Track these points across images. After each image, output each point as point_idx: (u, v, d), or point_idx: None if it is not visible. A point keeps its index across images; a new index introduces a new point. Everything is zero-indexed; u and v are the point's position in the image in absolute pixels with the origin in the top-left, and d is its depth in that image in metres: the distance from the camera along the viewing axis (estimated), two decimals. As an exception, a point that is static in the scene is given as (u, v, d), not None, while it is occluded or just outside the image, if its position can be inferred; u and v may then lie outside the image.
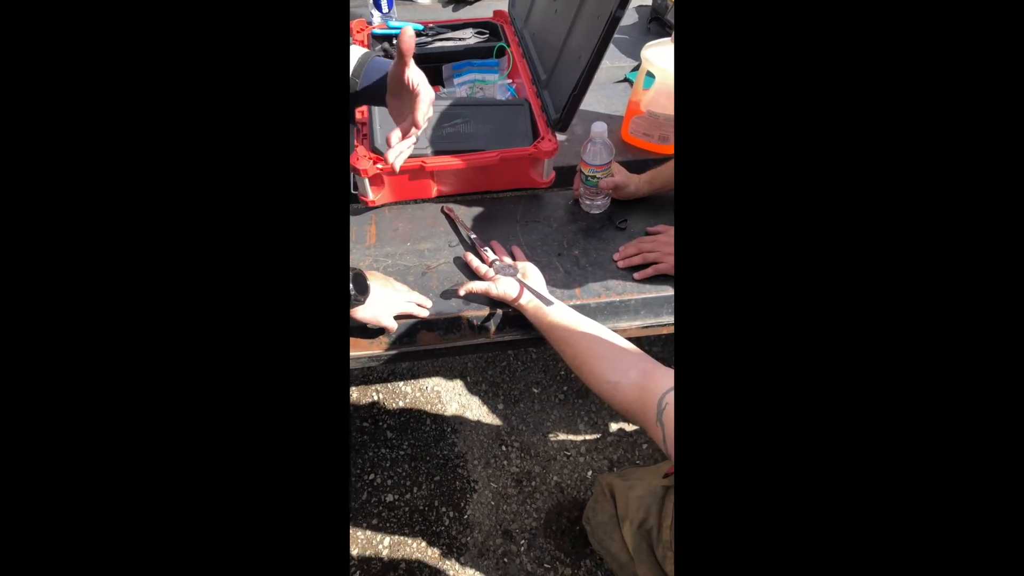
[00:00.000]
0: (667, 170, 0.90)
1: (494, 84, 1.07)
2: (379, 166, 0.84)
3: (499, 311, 0.79)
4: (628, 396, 0.62)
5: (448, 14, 1.37)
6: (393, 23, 1.13)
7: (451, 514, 1.27)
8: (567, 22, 0.88)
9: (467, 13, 1.37)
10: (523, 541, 1.23)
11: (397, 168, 0.74)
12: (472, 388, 1.49)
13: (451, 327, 0.79)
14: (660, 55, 0.96)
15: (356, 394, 1.48)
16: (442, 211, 0.92)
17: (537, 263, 0.81)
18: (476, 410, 1.45)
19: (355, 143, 0.86)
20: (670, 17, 1.30)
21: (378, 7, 1.19)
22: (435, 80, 1.08)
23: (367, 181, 0.87)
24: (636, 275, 0.83)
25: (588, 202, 0.91)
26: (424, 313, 0.78)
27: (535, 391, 1.48)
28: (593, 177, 0.86)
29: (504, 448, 1.38)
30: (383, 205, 0.92)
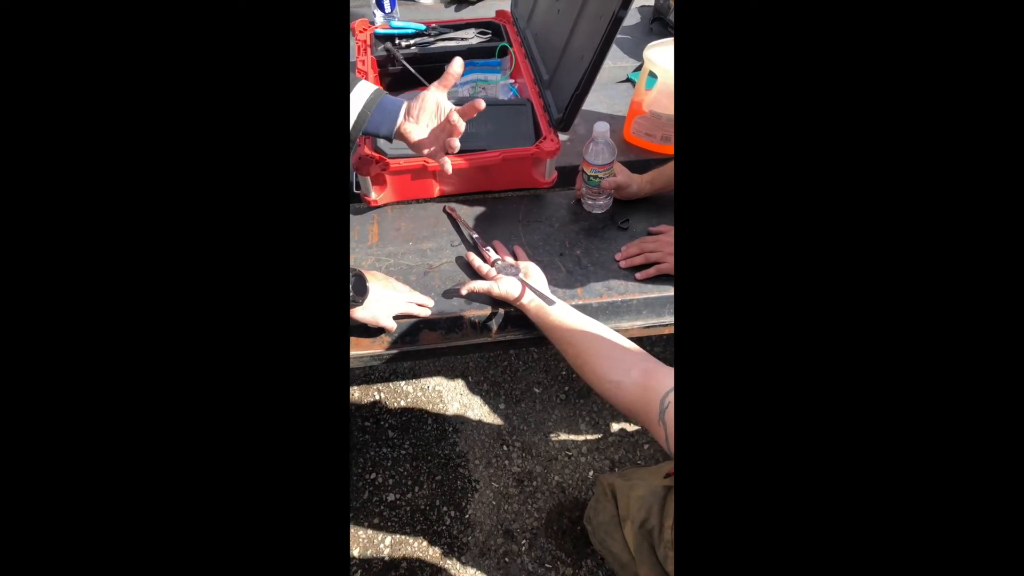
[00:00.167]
0: (669, 170, 0.90)
1: (496, 84, 1.07)
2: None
3: (501, 311, 0.79)
4: (630, 396, 0.62)
5: (450, 14, 1.37)
6: (396, 23, 1.13)
7: (452, 513, 1.27)
8: (569, 22, 0.88)
9: (469, 13, 1.37)
10: (524, 541, 1.23)
11: (449, 170, 0.78)
12: (473, 388, 1.49)
13: (453, 326, 0.79)
14: (662, 55, 0.96)
15: (358, 393, 1.48)
16: (444, 211, 0.92)
17: (539, 263, 0.82)
18: (477, 410, 1.45)
19: (358, 143, 0.86)
20: (672, 17, 1.30)
21: (381, 7, 1.19)
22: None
23: (369, 180, 0.87)
24: (638, 275, 0.83)
25: (590, 202, 0.91)
26: (425, 313, 0.78)
27: (536, 391, 1.48)
28: (595, 177, 0.86)
29: (505, 448, 1.38)
30: (385, 204, 0.92)
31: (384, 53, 1.06)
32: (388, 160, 0.85)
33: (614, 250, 0.86)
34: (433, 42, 1.11)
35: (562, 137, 0.89)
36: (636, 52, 1.25)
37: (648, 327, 0.83)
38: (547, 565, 1.20)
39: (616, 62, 1.24)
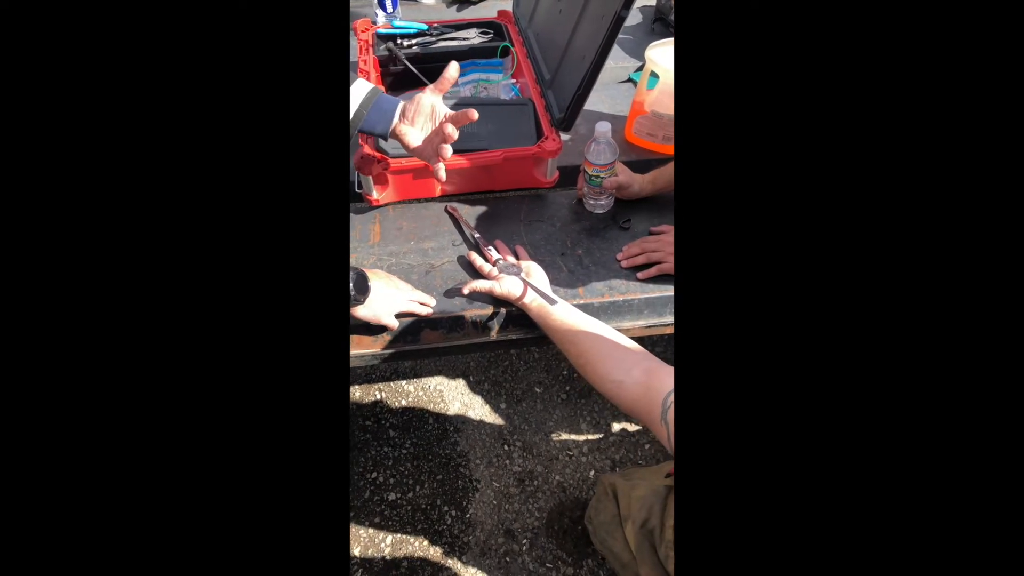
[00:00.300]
0: (670, 170, 0.90)
1: (498, 84, 1.07)
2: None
3: (503, 310, 0.79)
4: (632, 395, 0.62)
5: (452, 14, 1.37)
6: (398, 23, 1.13)
7: (453, 513, 1.27)
8: (571, 22, 0.88)
9: (471, 13, 1.37)
10: (525, 540, 1.23)
11: (442, 177, 0.78)
12: (475, 387, 1.49)
13: (455, 326, 0.79)
14: (664, 55, 0.96)
15: (359, 393, 1.48)
16: (446, 210, 0.92)
17: (541, 262, 0.82)
18: (478, 409, 1.45)
19: (360, 142, 0.86)
20: (674, 17, 1.31)
21: (382, 7, 1.19)
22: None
23: (371, 180, 0.87)
24: (639, 275, 0.83)
25: (592, 202, 0.91)
26: (426, 312, 0.78)
27: (538, 390, 1.48)
28: (597, 177, 0.86)
29: (506, 447, 1.38)
30: (387, 204, 0.93)
31: (386, 53, 1.06)
32: (390, 159, 0.85)
33: (615, 250, 0.86)
34: (435, 42, 1.11)
35: (564, 137, 0.89)
36: (638, 52, 1.26)
37: (650, 327, 0.83)
38: (548, 565, 1.20)
39: (618, 62, 1.24)
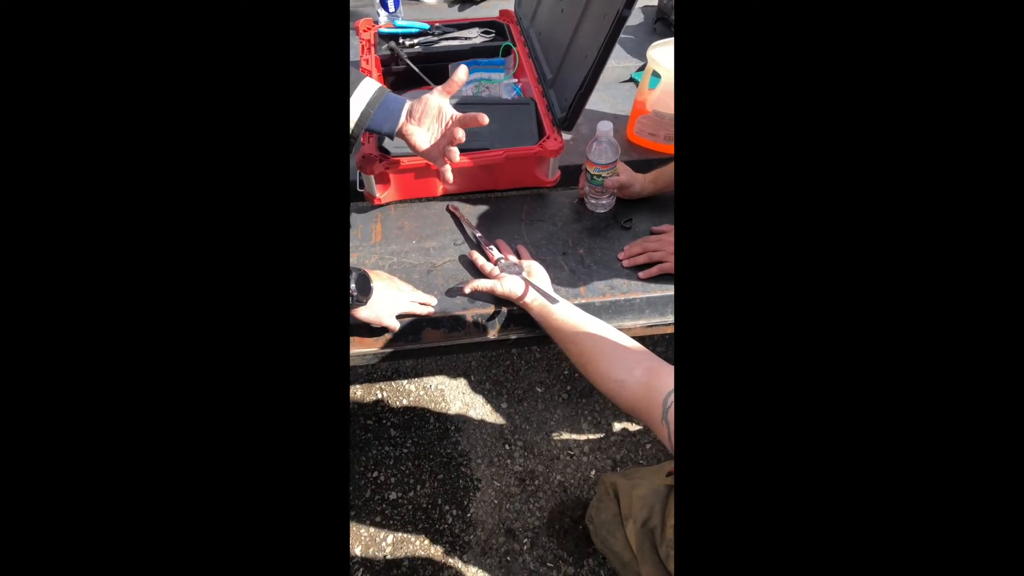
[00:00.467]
0: (672, 170, 0.90)
1: (500, 83, 1.07)
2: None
3: (504, 309, 0.79)
4: (634, 394, 0.62)
5: (454, 13, 1.37)
6: (400, 22, 1.13)
7: (454, 512, 1.27)
8: (573, 21, 0.88)
9: (473, 12, 1.37)
10: (526, 540, 1.23)
11: (450, 179, 0.79)
12: (476, 387, 1.50)
13: (456, 325, 0.79)
14: (666, 55, 0.96)
15: (360, 392, 1.49)
16: (447, 209, 0.92)
17: (542, 262, 0.82)
18: (480, 409, 1.45)
19: (361, 141, 0.86)
20: (674, 17, 1.31)
21: (384, 6, 1.19)
22: (441, 79, 1.09)
23: (373, 179, 0.88)
24: (641, 274, 0.83)
25: (593, 201, 0.91)
26: (427, 311, 0.78)
27: (539, 390, 1.48)
28: (599, 176, 0.86)
29: (507, 447, 1.38)
30: (389, 203, 0.93)
31: (388, 52, 1.07)
32: (392, 159, 0.85)
33: (617, 249, 0.86)
34: (437, 41, 1.11)
35: (565, 136, 0.89)
36: (639, 52, 1.26)
37: (651, 326, 0.83)
38: (549, 564, 1.20)
39: (619, 62, 1.24)
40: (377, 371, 1.53)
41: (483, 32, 1.13)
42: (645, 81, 0.98)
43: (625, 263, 0.84)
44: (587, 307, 0.79)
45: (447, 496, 1.29)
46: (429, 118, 0.75)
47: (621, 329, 0.72)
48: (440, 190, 0.93)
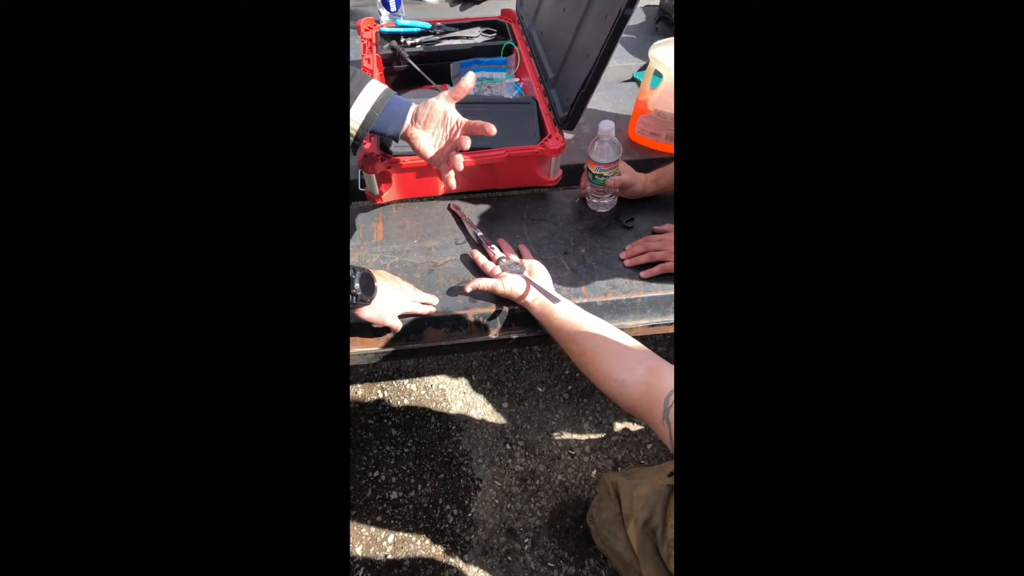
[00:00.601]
0: (673, 169, 0.90)
1: (501, 82, 1.07)
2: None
3: (505, 308, 0.79)
4: (635, 394, 0.62)
5: (456, 13, 1.37)
6: (401, 21, 1.13)
7: (455, 512, 1.27)
8: (575, 21, 0.88)
9: (475, 12, 1.37)
10: (527, 539, 1.23)
11: (453, 185, 0.79)
12: (477, 386, 1.49)
13: (457, 324, 0.79)
14: (668, 54, 0.96)
15: (361, 391, 1.49)
16: (449, 209, 0.92)
17: (544, 261, 0.82)
18: (481, 408, 1.45)
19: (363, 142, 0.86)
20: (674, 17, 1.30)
21: (386, 6, 1.19)
22: (443, 78, 1.09)
23: (374, 178, 0.87)
24: (643, 273, 0.83)
25: (595, 200, 0.91)
26: (429, 311, 0.78)
27: (540, 390, 1.48)
28: (600, 175, 0.86)
29: (508, 447, 1.38)
30: (390, 202, 0.93)
31: (390, 51, 1.07)
32: (393, 158, 0.85)
33: (619, 249, 0.86)
34: (438, 41, 1.11)
35: (567, 136, 0.89)
36: (641, 51, 1.26)
37: (653, 326, 0.83)
38: (550, 564, 1.20)
39: (621, 61, 1.24)
40: (378, 370, 1.53)
41: (485, 31, 1.13)
42: (647, 80, 0.98)
43: (627, 262, 0.84)
44: (589, 306, 0.78)
45: (448, 496, 1.29)
46: (434, 123, 0.75)
47: (623, 329, 0.72)
48: (442, 189, 0.93)
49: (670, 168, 0.91)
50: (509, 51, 1.09)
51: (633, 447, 1.38)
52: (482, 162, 0.87)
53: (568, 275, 0.83)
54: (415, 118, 0.75)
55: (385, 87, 0.75)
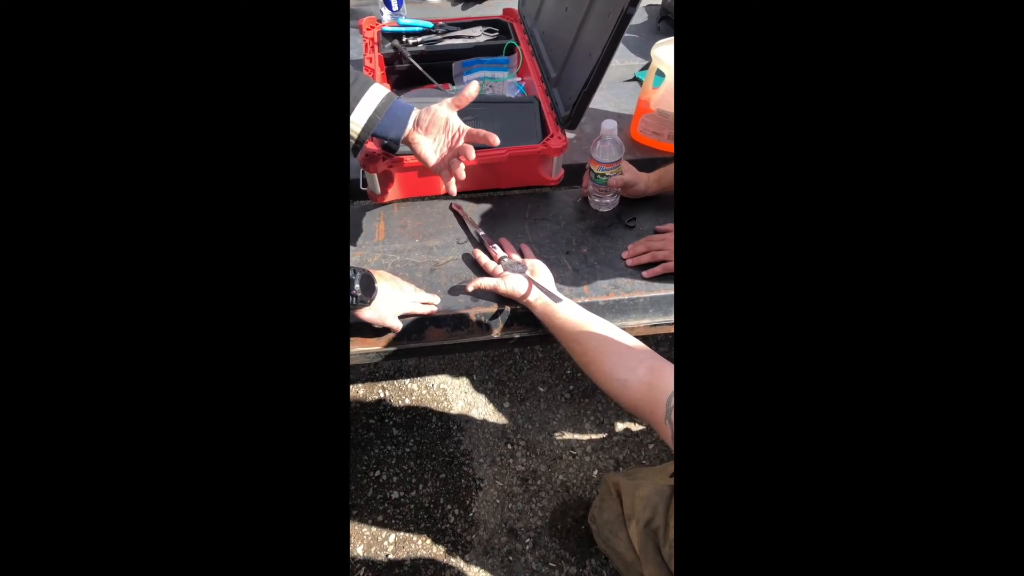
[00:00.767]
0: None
1: (503, 82, 1.07)
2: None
3: (507, 308, 0.79)
4: (637, 394, 0.62)
5: (458, 12, 1.37)
6: (403, 21, 1.13)
7: (456, 512, 1.27)
8: (577, 20, 0.88)
9: (477, 11, 1.37)
10: (528, 539, 1.23)
11: (454, 191, 0.78)
12: (478, 386, 1.49)
13: (459, 324, 0.79)
14: (670, 54, 0.95)
15: (362, 391, 1.49)
16: (450, 208, 0.92)
17: (545, 261, 0.81)
18: (482, 408, 1.45)
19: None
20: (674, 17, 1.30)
21: (388, 5, 1.19)
22: (444, 78, 1.09)
23: (376, 177, 0.87)
24: (645, 273, 0.82)
25: (597, 200, 0.91)
26: (430, 311, 0.78)
27: (541, 390, 1.48)
28: (602, 175, 0.86)
29: (510, 446, 1.38)
30: (392, 201, 0.93)
31: (391, 51, 1.06)
32: (395, 157, 0.85)
33: (621, 248, 0.86)
34: (440, 40, 1.11)
35: (569, 135, 0.89)
36: (643, 51, 1.25)
37: (655, 325, 0.82)
38: (551, 564, 1.19)
39: (623, 61, 1.24)
40: (379, 370, 1.53)
41: (487, 31, 1.13)
42: (649, 80, 0.98)
43: (629, 262, 0.84)
44: (590, 306, 0.78)
45: (449, 495, 1.29)
46: (436, 129, 0.76)
47: (625, 328, 0.71)
48: (443, 189, 0.93)
49: (672, 167, 0.90)
50: (511, 50, 1.09)
51: (635, 447, 1.38)
52: (484, 161, 0.87)
53: (570, 275, 0.83)
54: (417, 123, 0.76)
55: (388, 91, 0.75)
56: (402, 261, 0.84)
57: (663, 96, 0.96)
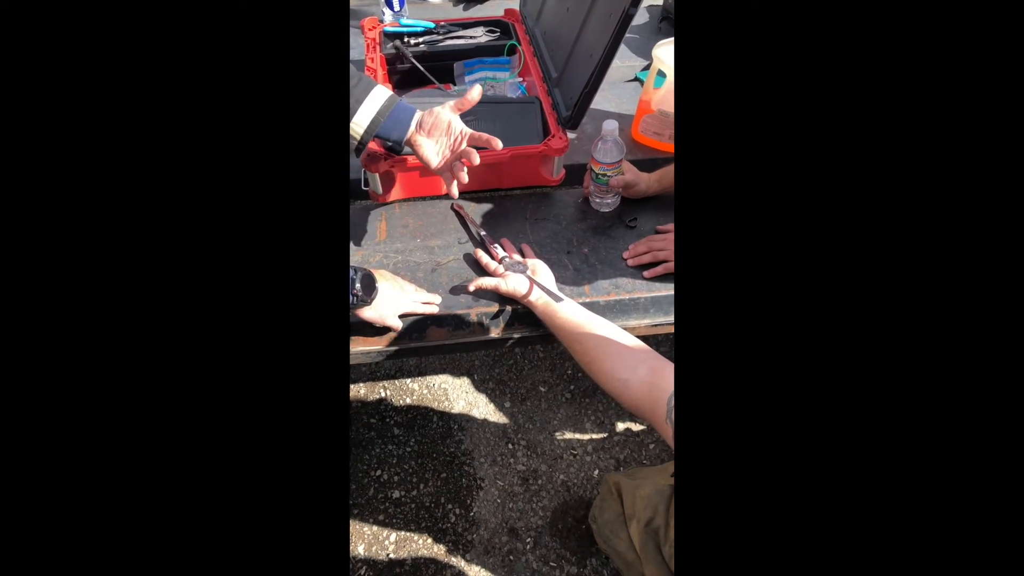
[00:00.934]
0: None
1: (505, 82, 1.07)
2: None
3: (508, 308, 0.79)
4: (638, 394, 0.62)
5: (459, 12, 1.37)
6: (405, 21, 1.13)
7: (457, 511, 1.27)
8: (579, 20, 0.88)
9: (478, 11, 1.37)
10: (529, 539, 1.23)
11: (455, 194, 0.80)
12: (479, 386, 1.50)
13: (460, 323, 0.79)
14: (671, 54, 0.96)
15: (364, 390, 1.49)
16: (452, 208, 0.92)
17: (546, 261, 0.82)
18: (483, 408, 1.45)
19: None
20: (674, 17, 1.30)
21: (390, 5, 1.19)
22: (446, 78, 1.09)
23: (378, 177, 0.88)
24: (646, 273, 0.83)
25: (598, 200, 0.91)
26: (431, 311, 0.78)
27: (542, 389, 1.48)
28: (603, 175, 0.86)
29: (511, 446, 1.38)
30: (393, 201, 0.93)
31: (393, 51, 1.07)
32: (396, 157, 0.85)
33: (622, 248, 0.86)
34: (442, 40, 1.11)
35: (570, 135, 0.89)
36: (644, 51, 1.25)
37: (656, 325, 0.82)
38: (552, 563, 1.20)
39: (624, 61, 1.24)
40: (380, 369, 1.53)
41: (488, 31, 1.13)
42: (650, 80, 0.98)
43: (630, 262, 0.84)
44: (591, 306, 0.78)
45: (450, 495, 1.29)
46: (438, 131, 0.76)
47: (626, 328, 0.72)
48: (444, 188, 0.93)
49: (673, 168, 0.90)
50: (512, 51, 1.09)
51: (636, 447, 1.38)
52: (485, 161, 0.86)
53: (571, 274, 0.83)
54: (420, 126, 0.76)
55: (391, 93, 0.76)
56: (404, 261, 0.85)
57: (664, 96, 0.96)
